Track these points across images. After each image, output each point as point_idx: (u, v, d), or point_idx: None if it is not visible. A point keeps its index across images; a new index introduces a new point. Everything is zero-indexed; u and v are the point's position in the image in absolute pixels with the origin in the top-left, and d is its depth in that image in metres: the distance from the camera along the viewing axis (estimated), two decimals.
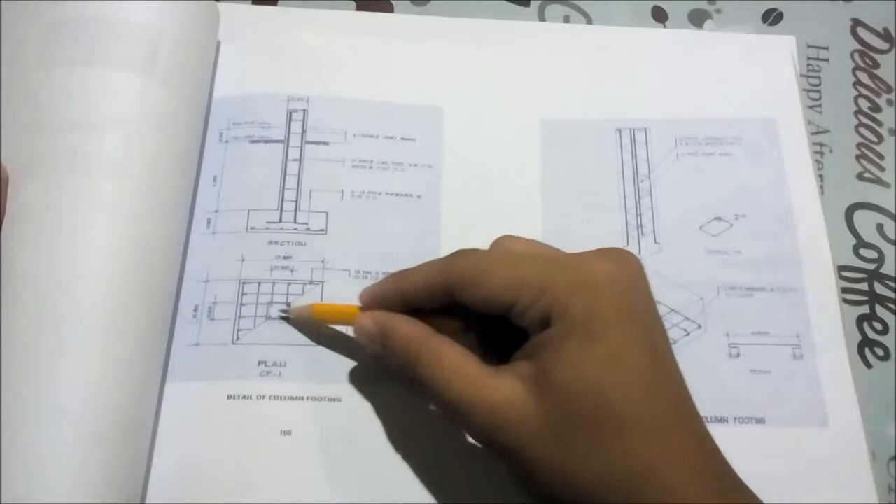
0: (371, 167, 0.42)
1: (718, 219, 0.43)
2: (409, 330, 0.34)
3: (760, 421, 0.39)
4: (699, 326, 0.41)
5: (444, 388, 0.31)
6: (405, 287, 0.35)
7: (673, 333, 0.40)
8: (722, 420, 0.39)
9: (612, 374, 0.29)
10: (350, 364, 0.38)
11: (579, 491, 0.29)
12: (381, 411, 0.37)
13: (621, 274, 0.32)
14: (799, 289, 0.42)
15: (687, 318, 0.41)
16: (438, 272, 0.34)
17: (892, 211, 0.45)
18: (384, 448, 0.37)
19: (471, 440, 0.36)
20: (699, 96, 0.46)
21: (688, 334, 0.40)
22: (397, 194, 0.42)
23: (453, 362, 0.32)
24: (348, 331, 0.38)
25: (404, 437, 0.37)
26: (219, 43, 0.45)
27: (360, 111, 0.44)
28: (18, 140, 0.36)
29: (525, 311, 0.31)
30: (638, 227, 0.43)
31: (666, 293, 0.41)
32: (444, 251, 0.40)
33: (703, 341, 0.40)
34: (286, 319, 0.38)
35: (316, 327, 0.38)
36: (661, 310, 0.40)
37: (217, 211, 0.41)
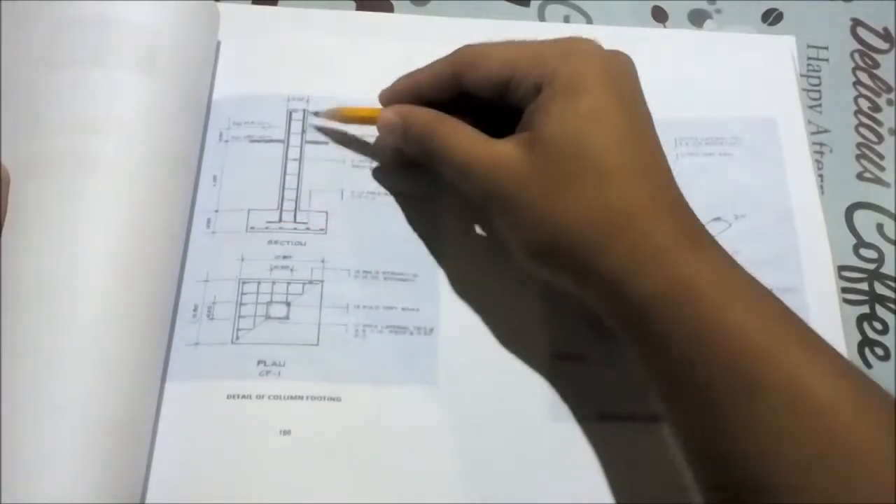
0: (371, 167, 0.42)
1: (718, 219, 0.43)
2: (426, 114, 0.39)
3: None
4: None
5: (455, 151, 0.36)
6: (417, 80, 0.40)
7: None
8: None
9: (590, 126, 0.33)
10: (350, 363, 0.38)
11: (564, 232, 0.33)
12: (381, 411, 0.37)
13: (610, 54, 0.36)
14: (799, 289, 0.41)
15: None
16: (444, 62, 0.39)
17: (892, 211, 0.45)
18: (384, 448, 0.37)
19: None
20: (699, 96, 0.46)
21: None
22: (398, 194, 0.42)
23: (463, 131, 0.37)
24: None
25: (404, 438, 0.37)
26: (219, 43, 0.45)
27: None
28: (19, 140, 0.36)
29: (520, 83, 0.36)
30: None
31: None
32: (446, 250, 0.41)
33: None
34: (315, 115, 0.43)
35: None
36: None
37: (217, 211, 0.41)
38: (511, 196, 0.34)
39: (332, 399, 0.37)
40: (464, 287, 0.40)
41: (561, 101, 0.34)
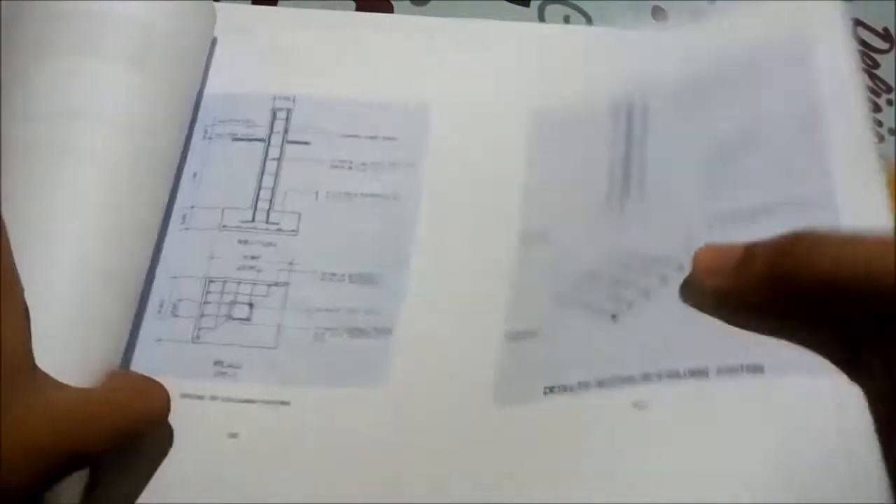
0: (350, 167, 0.40)
1: (724, 145, 0.36)
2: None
3: (756, 369, 0.30)
4: (680, 268, 0.33)
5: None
6: None
7: (647, 283, 0.34)
8: (701, 373, 0.31)
9: None
10: (305, 367, 0.35)
11: None
12: (328, 414, 0.34)
13: None
14: (828, 203, 0.32)
15: (666, 265, 0.34)
16: None
17: (892, 211, 0.41)
18: (330, 451, 0.34)
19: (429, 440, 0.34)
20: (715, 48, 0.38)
21: (666, 282, 0.33)
22: (373, 195, 0.39)
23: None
24: None
25: (350, 440, 0.34)
26: (215, 40, 0.44)
27: (345, 110, 0.41)
28: (4, 127, 0.35)
29: None
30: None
31: (648, 244, 0.35)
32: (415, 251, 0.38)
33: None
34: None
35: None
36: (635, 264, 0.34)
37: (193, 207, 0.39)
38: None
39: (280, 403, 0.35)
40: (429, 287, 0.37)
41: None
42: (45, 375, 0.28)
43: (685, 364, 0.31)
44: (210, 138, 0.41)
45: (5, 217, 0.31)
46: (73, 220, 0.33)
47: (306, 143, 0.41)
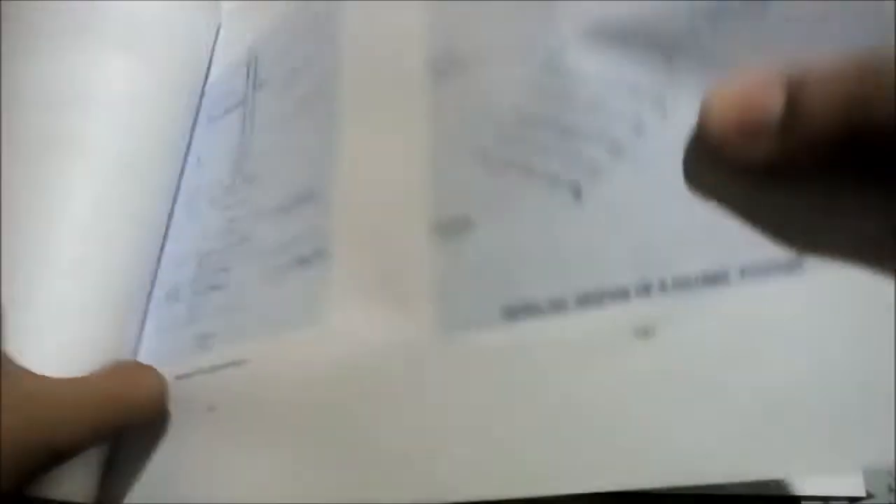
0: (290, 85, 0.36)
1: None
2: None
3: (793, 266, 0.21)
4: (659, 103, 0.22)
5: None
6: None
7: (614, 131, 0.23)
8: (719, 278, 0.21)
9: None
10: (259, 317, 0.32)
11: None
12: (284, 369, 0.30)
13: None
14: None
15: (638, 97, 0.23)
16: None
17: None
18: (291, 412, 0.29)
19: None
20: None
21: (642, 131, 0.23)
22: (302, 106, 0.34)
23: None
24: None
25: (308, 398, 0.29)
26: (219, 27, 0.43)
27: (284, 35, 0.38)
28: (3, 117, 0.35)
29: None
30: None
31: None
32: (340, 151, 0.32)
33: (663, 139, 0.22)
34: None
35: None
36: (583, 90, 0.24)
37: (196, 191, 0.39)
38: None
39: (242, 362, 0.31)
40: (356, 186, 0.30)
41: None
42: (20, 367, 0.28)
43: (694, 265, 0.22)
44: (212, 120, 0.40)
45: (5, 208, 0.32)
46: (71, 213, 0.33)
47: (264, 85, 0.38)
